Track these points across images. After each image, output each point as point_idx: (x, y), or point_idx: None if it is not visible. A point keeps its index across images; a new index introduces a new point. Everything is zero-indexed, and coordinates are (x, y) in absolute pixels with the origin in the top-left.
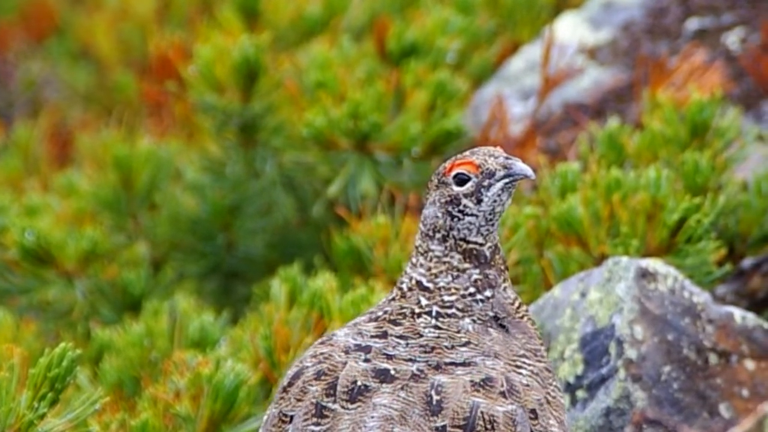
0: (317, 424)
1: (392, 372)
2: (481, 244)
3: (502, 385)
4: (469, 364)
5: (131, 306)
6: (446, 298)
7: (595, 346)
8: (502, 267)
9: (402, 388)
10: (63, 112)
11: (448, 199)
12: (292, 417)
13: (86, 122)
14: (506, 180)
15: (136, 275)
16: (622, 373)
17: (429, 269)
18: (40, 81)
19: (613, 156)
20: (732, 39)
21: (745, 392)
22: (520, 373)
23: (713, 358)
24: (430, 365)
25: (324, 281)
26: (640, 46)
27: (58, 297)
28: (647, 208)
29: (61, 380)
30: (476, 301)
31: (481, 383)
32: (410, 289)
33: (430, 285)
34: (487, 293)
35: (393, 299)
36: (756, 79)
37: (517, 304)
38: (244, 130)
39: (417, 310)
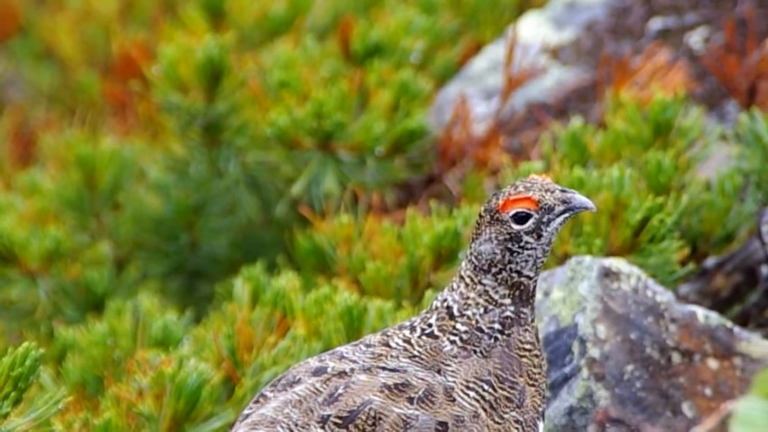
0: (251, 408)
1: (328, 370)
2: (531, 278)
3: (416, 393)
4: (397, 371)
5: (94, 305)
6: (458, 326)
7: (558, 346)
8: (534, 305)
9: (323, 381)
10: (26, 112)
11: (508, 236)
12: None
13: (50, 122)
14: (566, 214)
15: (99, 274)
16: (585, 372)
17: (467, 298)
18: (3, 81)
19: (576, 155)
20: (695, 39)
21: (708, 391)
22: (467, 394)
23: (676, 357)
24: (363, 368)
25: (287, 280)
26: (604, 45)
27: (22, 296)
28: (610, 207)
29: (24, 379)
30: (492, 336)
31: (393, 386)
32: (435, 308)
33: (456, 313)
34: (508, 331)
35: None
36: (719, 78)
37: (528, 347)
38: (207, 130)
39: (416, 325)
